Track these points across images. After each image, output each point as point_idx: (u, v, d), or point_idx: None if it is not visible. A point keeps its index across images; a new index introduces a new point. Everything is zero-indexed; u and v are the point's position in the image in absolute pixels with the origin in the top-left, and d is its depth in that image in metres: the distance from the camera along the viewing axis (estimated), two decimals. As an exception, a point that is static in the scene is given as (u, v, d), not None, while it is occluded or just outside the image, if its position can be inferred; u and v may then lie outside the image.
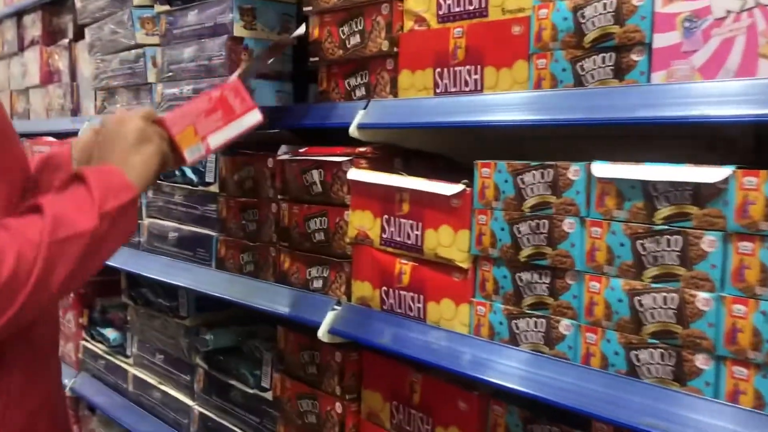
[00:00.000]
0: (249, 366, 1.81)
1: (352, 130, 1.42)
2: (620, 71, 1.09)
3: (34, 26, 2.93)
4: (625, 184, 1.03)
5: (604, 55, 1.11)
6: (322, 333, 1.44)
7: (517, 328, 1.17)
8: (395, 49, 1.42)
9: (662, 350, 0.99)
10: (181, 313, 2.04)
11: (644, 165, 1.02)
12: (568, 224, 1.09)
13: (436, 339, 1.27)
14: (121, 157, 1.17)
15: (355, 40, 1.49)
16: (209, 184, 1.84)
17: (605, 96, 1.08)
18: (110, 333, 2.42)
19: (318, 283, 1.53)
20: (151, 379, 2.21)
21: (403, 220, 1.33)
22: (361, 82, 1.51)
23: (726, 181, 0.93)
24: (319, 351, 1.55)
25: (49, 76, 2.85)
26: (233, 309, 1.95)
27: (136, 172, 1.16)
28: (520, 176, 1.15)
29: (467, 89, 1.30)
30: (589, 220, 1.07)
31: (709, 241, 0.95)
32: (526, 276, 1.16)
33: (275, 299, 1.60)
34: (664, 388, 0.98)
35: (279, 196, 1.63)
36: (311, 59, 1.61)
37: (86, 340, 2.56)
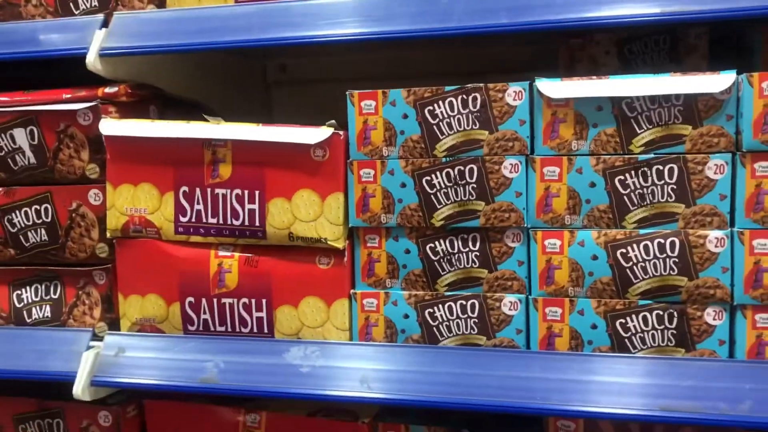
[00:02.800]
0: None
1: (92, 60, 0.89)
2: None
3: None
4: (590, 105, 0.78)
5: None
6: (80, 388, 0.89)
7: (434, 318, 0.85)
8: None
9: (660, 311, 0.79)
10: None
11: (610, 79, 0.78)
12: (511, 166, 0.80)
13: (302, 359, 0.86)
14: None
15: None
16: None
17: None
18: None
19: (41, 312, 0.96)
20: None
21: (222, 191, 0.87)
22: (79, -13, 0.96)
23: (729, 90, 0.75)
24: (63, 418, 0.97)
25: None
26: None
27: None
28: (429, 107, 0.82)
29: (291, -8, 0.89)
30: (541, 158, 0.80)
31: (716, 167, 0.76)
32: (443, 246, 0.83)
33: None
34: (672, 359, 0.78)
35: (-68, 181, 0.98)
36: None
37: None
